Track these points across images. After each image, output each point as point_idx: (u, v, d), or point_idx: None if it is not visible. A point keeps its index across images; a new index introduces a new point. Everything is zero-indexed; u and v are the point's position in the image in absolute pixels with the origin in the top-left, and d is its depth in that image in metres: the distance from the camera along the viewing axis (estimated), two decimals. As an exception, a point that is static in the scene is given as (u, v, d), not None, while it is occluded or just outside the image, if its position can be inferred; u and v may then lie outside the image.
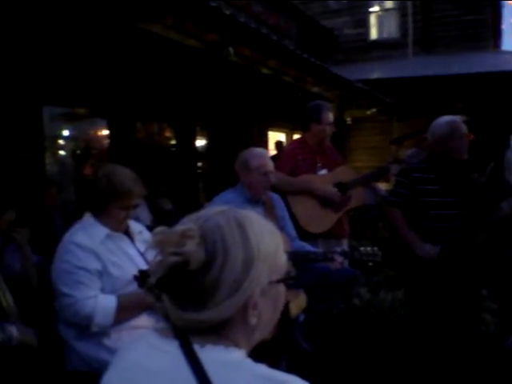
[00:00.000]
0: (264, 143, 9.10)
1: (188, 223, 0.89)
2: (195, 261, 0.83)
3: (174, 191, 6.76)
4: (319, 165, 3.75)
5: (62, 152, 5.94)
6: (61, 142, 5.92)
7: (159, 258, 0.86)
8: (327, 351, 3.37)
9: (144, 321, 2.10)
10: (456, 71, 10.24)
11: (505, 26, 15.89)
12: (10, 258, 3.13)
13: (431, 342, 3.00)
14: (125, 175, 2.16)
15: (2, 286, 1.94)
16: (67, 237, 2.14)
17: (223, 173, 5.53)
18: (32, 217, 3.92)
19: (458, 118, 3.13)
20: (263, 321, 0.92)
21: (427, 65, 11.23)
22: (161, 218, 5.34)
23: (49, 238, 3.38)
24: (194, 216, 0.92)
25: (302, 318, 3.21)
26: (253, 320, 0.88)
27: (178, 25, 4.41)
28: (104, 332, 2.05)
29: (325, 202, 3.62)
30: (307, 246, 3.19)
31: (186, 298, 0.86)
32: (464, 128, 3.02)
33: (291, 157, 3.71)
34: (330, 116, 3.78)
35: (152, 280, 0.86)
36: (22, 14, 4.20)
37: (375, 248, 2.92)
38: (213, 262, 0.85)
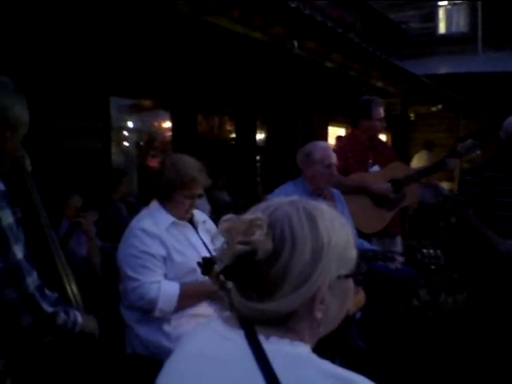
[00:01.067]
0: (324, 138, 9.00)
1: (257, 212, 0.87)
2: (263, 250, 0.82)
3: (233, 184, 6.81)
4: (370, 161, 3.64)
5: (126, 143, 6.09)
6: (125, 133, 6.07)
7: (226, 245, 0.85)
8: (382, 351, 3.31)
9: (204, 309, 2.13)
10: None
11: None
12: (76, 243, 3.26)
13: (493, 350, 2.88)
14: (191, 165, 2.20)
15: (68, 274, 2.00)
16: (134, 222, 2.20)
17: (281, 167, 5.51)
18: (99, 204, 4.05)
19: None
20: (329, 316, 0.89)
21: (497, 61, 10.75)
22: (218, 210, 5.40)
23: (116, 226, 3.48)
24: (262, 205, 0.91)
25: (358, 315, 3.16)
26: (318, 314, 0.86)
27: (245, 18, 4.42)
28: (165, 318, 2.09)
29: (378, 200, 3.52)
30: (366, 244, 3.14)
31: (252, 288, 0.84)
32: None
33: (341, 155, 3.53)
34: (381, 111, 3.66)
35: (218, 268, 0.85)
36: (91, 7, 4.33)
37: (438, 251, 2.83)
38: (281, 252, 0.83)
